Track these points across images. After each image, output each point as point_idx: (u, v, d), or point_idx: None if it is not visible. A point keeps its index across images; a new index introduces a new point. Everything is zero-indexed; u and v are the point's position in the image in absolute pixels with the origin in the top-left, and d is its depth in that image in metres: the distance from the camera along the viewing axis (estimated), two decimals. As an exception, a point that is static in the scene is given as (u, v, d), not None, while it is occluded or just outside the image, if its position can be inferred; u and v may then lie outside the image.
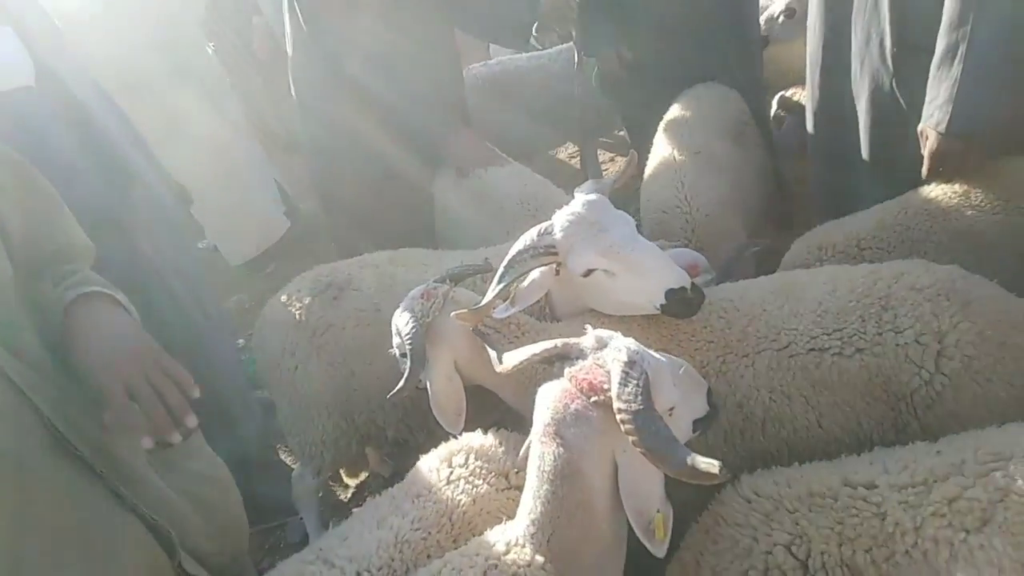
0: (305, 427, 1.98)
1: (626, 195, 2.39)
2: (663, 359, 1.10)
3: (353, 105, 2.48)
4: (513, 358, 1.24)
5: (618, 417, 1.00)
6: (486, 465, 1.39)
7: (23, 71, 1.77)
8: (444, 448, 1.49)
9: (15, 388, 1.01)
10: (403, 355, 1.54)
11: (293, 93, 2.71)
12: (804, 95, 3.02)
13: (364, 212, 2.73)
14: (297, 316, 1.91)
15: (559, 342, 1.15)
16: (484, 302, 1.45)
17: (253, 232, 3.97)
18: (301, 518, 2.26)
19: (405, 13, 2.44)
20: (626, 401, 0.99)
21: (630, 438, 0.98)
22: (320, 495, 2.25)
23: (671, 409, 1.09)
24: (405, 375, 1.50)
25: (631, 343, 1.07)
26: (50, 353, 1.09)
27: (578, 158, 3.57)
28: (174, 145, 2.72)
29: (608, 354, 1.07)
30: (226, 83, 3.83)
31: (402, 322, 1.53)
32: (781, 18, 2.98)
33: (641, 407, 0.98)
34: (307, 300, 1.92)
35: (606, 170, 4.31)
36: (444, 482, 1.37)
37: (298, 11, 2.50)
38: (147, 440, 1.06)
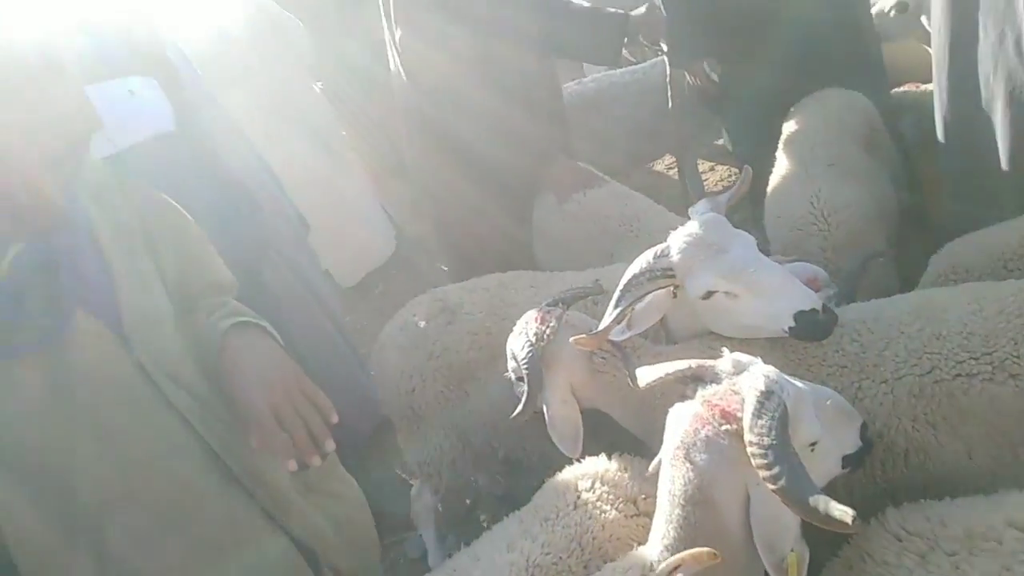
0: (423, 447, 2.04)
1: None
2: (807, 388, 1.05)
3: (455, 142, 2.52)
4: (647, 376, 1.22)
5: (749, 450, 0.96)
6: (613, 491, 1.38)
7: (165, 117, 1.92)
8: (569, 472, 1.49)
9: (183, 419, 1.09)
10: (519, 379, 1.55)
11: (402, 121, 2.80)
12: (920, 92, 2.87)
13: (470, 237, 2.77)
14: (413, 340, 1.97)
15: (693, 363, 1.12)
16: (602, 326, 1.44)
17: (361, 255, 4.12)
18: (420, 534, 2.32)
19: (504, 47, 2.47)
20: (758, 434, 0.96)
21: (760, 473, 0.95)
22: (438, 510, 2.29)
23: (813, 444, 1.04)
24: (523, 399, 1.51)
25: (771, 371, 1.03)
26: (207, 381, 1.17)
27: (675, 169, 3.51)
28: (286, 176, 2.86)
29: (744, 381, 1.03)
30: (331, 115, 4.01)
31: (518, 346, 1.54)
32: (892, 12, 2.83)
33: (774, 442, 0.94)
34: (422, 324, 1.97)
35: (705, 179, 4.21)
36: (571, 507, 1.38)
37: (396, 46, 2.57)
38: (292, 463, 1.11)
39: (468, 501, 2.58)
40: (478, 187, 2.61)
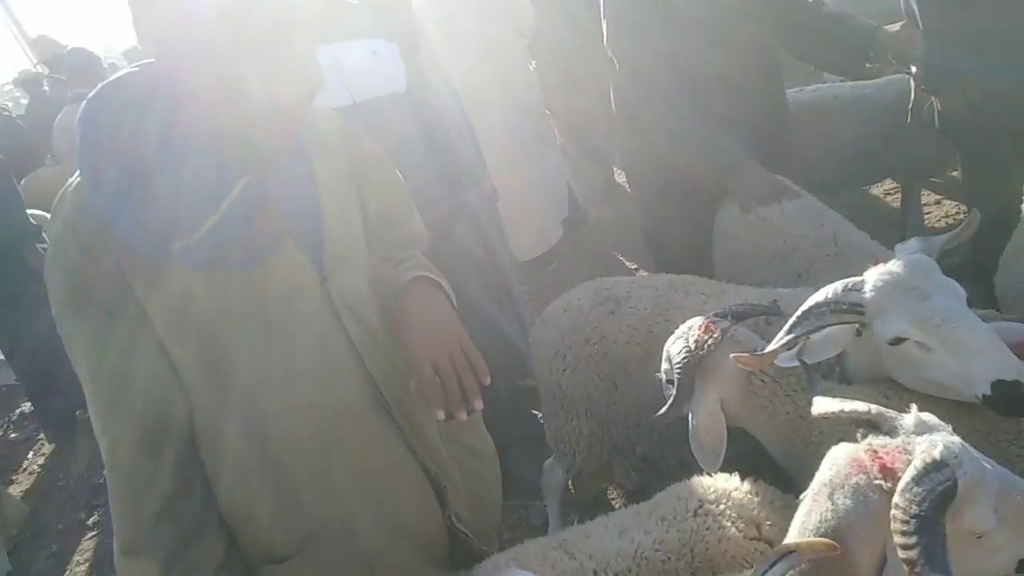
0: (563, 425, 2.09)
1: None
2: (996, 473, 0.94)
3: (661, 124, 2.47)
4: (823, 406, 1.16)
5: (892, 512, 0.89)
6: (738, 510, 1.35)
7: (399, 80, 2.11)
8: (697, 482, 1.47)
9: (354, 349, 1.21)
10: (670, 382, 1.54)
11: (613, 105, 2.79)
12: None
13: (652, 228, 2.74)
14: (574, 323, 2.00)
15: (874, 408, 1.05)
16: (770, 348, 1.38)
17: (542, 232, 4.20)
18: (545, 504, 2.38)
19: (736, 34, 2.37)
20: (907, 500, 0.88)
21: (895, 538, 0.87)
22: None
23: (979, 535, 0.93)
24: (669, 402, 1.50)
25: (956, 444, 0.93)
26: (382, 323, 1.27)
27: (895, 195, 3.19)
28: (485, 143, 2.98)
29: (921, 442, 0.95)
30: (539, 92, 4.10)
31: (675, 350, 1.52)
32: None
33: (921, 513, 0.86)
34: (586, 309, 2.00)
35: (928, 213, 3.81)
36: (691, 514, 1.37)
37: (616, 21, 2.53)
38: (440, 413, 1.20)
39: (599, 487, 2.60)
40: (666, 180, 2.55)
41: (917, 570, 0.83)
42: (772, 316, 1.67)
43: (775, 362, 1.41)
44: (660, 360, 1.86)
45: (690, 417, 1.51)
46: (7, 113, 6.10)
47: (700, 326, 1.54)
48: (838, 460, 1.01)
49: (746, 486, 1.40)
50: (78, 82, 4.77)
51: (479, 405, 1.21)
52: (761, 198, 2.29)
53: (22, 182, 4.91)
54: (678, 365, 1.47)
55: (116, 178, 1.02)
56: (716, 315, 1.58)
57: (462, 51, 3.29)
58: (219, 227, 1.04)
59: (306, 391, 1.17)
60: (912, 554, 0.84)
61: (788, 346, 1.37)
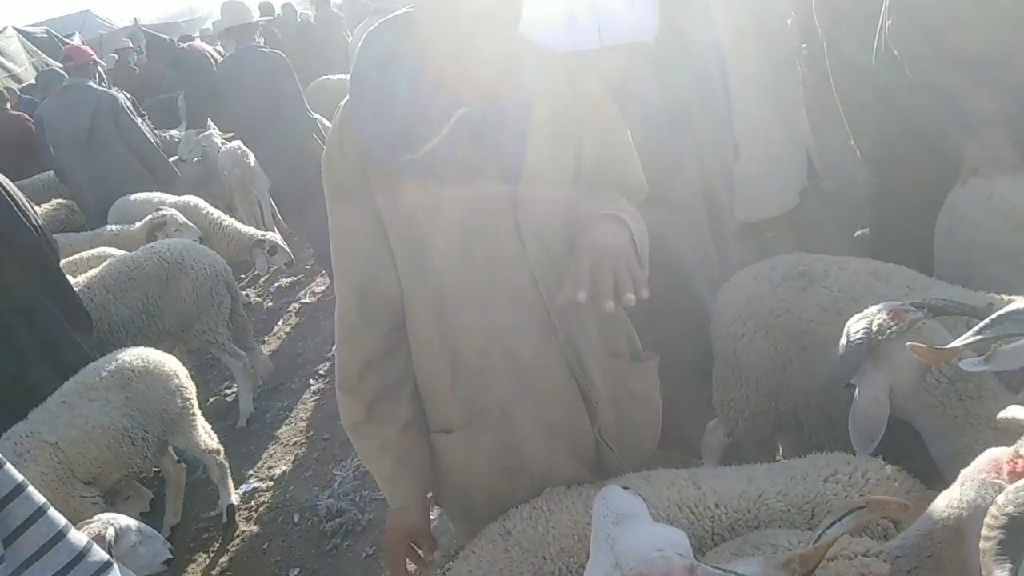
0: (731, 390, 2.13)
1: None
2: None
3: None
4: (1014, 413, 1.14)
5: (991, 508, 0.89)
6: (869, 488, 1.36)
7: (648, 29, 2.15)
8: (839, 455, 1.49)
9: (533, 280, 1.37)
10: (842, 356, 1.54)
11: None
12: None
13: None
14: (762, 291, 2.01)
15: None
16: (952, 345, 1.32)
17: (775, 195, 4.01)
18: (702, 464, 2.44)
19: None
20: (1007, 499, 0.88)
21: (982, 532, 0.88)
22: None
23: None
24: (831, 375, 1.51)
25: None
26: (561, 246, 1.37)
27: None
28: (736, 99, 2.95)
29: None
30: (793, 50, 3.88)
31: (855, 328, 1.51)
32: None
33: (1014, 513, 0.86)
34: (777, 280, 2.00)
35: None
36: (822, 479, 1.40)
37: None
38: (581, 294, 1.19)
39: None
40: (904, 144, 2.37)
41: (985, 559, 0.85)
42: (978, 319, 1.57)
43: (960, 364, 1.35)
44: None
45: (855, 398, 1.50)
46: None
47: (888, 311, 1.50)
48: (983, 457, 1.02)
49: (887, 470, 1.39)
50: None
51: (631, 299, 1.18)
52: (1000, 166, 2.05)
53: (308, 87, 5.94)
54: (851, 344, 1.47)
55: (371, 99, 1.31)
56: (912, 303, 1.52)
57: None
58: (437, 148, 1.27)
59: (483, 294, 1.37)
60: (988, 545, 0.86)
61: (975, 348, 1.31)
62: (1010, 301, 1.63)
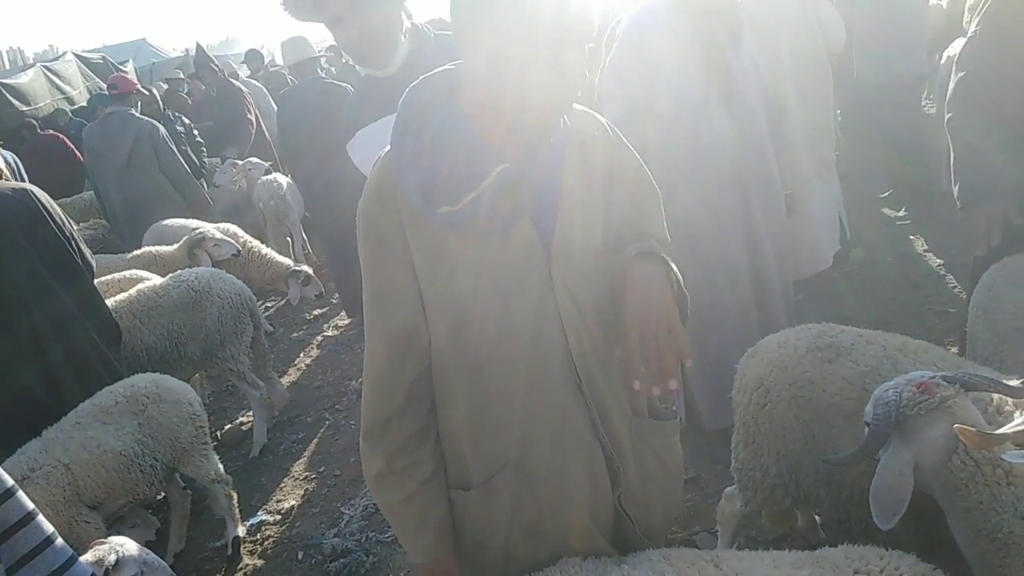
0: (750, 459, 2.08)
1: None
2: None
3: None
4: None
5: None
6: None
7: None
8: (871, 549, 1.43)
9: (562, 328, 1.36)
10: (867, 425, 1.50)
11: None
12: None
13: None
14: (786, 360, 1.98)
15: None
16: (1002, 431, 1.28)
17: (809, 256, 3.97)
18: (716, 531, 2.38)
19: None
20: None
21: None
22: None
23: None
24: (856, 448, 1.48)
25: None
26: (596, 308, 1.40)
27: None
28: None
29: None
30: (831, 108, 3.88)
31: (882, 398, 1.47)
32: None
33: None
34: (802, 351, 1.96)
35: None
36: (852, 571, 1.35)
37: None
38: (636, 383, 1.29)
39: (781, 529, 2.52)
40: None
41: None
42: (1013, 397, 1.51)
43: (1005, 456, 1.29)
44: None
45: (877, 471, 1.46)
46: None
47: (918, 384, 1.46)
48: None
49: (920, 568, 1.33)
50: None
51: (672, 384, 1.27)
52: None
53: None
54: (878, 415, 1.43)
55: (411, 151, 1.32)
56: (944, 377, 1.47)
57: (772, 60, 3.23)
58: (475, 201, 1.28)
59: (514, 348, 1.36)
60: None
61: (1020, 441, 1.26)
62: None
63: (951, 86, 2.39)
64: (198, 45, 8.07)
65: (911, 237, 4.80)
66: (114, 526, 2.80)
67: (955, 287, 4.10)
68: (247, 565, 3.24)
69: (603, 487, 1.46)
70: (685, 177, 2.74)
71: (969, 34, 2.38)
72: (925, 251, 4.61)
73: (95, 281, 3.37)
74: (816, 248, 3.93)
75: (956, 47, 5.13)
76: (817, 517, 2.41)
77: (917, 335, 2.00)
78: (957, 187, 2.35)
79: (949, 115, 2.37)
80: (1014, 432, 1.25)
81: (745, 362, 2.14)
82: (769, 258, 2.99)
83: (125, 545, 1.93)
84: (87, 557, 1.80)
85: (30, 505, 1.25)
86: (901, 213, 4.86)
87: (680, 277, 1.38)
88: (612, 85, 2.94)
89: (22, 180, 5.09)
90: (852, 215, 4.25)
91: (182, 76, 10.94)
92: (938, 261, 4.44)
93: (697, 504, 2.89)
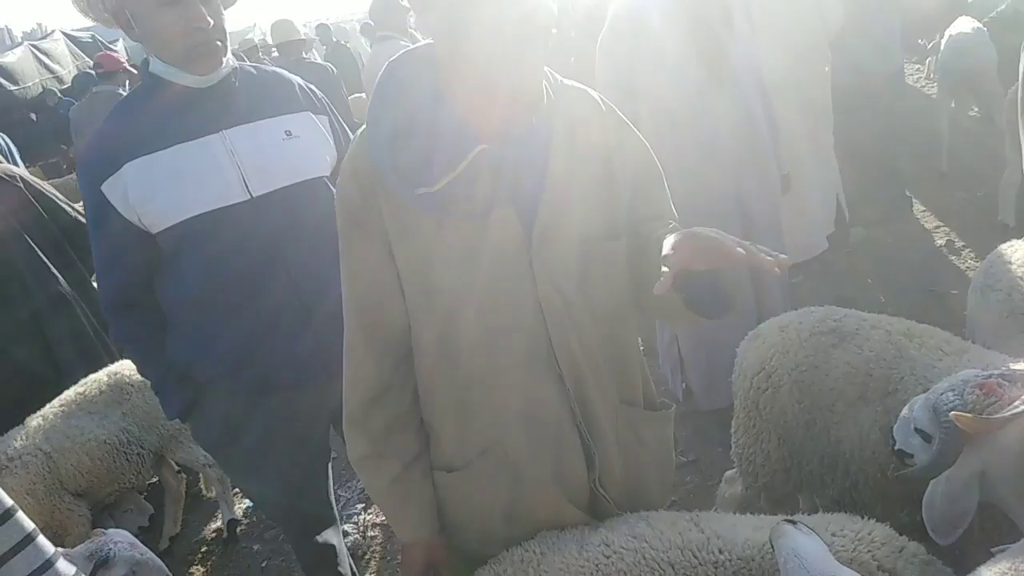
0: (751, 444, 2.06)
1: None
2: None
3: None
4: None
5: None
6: (879, 545, 1.28)
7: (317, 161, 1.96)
8: (846, 515, 1.40)
9: (542, 316, 1.33)
10: (920, 432, 1.39)
11: None
12: None
13: None
14: (787, 344, 1.95)
15: None
16: (1000, 416, 1.24)
17: (804, 240, 3.94)
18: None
19: None
20: None
21: None
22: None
23: None
24: (924, 463, 1.37)
25: None
26: (582, 295, 1.35)
27: None
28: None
29: None
30: (828, 96, 3.84)
31: (944, 403, 1.34)
32: None
33: None
34: (804, 335, 1.93)
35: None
36: (829, 533, 1.32)
37: None
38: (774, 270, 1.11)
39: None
40: None
41: None
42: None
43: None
44: (873, 406, 1.75)
45: (936, 483, 1.35)
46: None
47: (979, 385, 1.33)
48: None
49: (891, 533, 1.31)
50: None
51: (771, 265, 1.09)
52: None
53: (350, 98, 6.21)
54: (946, 423, 1.30)
55: (388, 130, 1.27)
56: (1002, 376, 1.34)
57: (770, 41, 3.18)
58: (453, 183, 1.23)
59: (491, 336, 1.33)
60: None
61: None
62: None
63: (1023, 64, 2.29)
64: None
65: (912, 218, 4.76)
66: (106, 511, 2.78)
67: (958, 268, 4.08)
68: (244, 547, 3.23)
69: (579, 472, 1.45)
70: (679, 159, 2.69)
71: None
72: (927, 232, 4.58)
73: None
74: (813, 231, 3.91)
75: (958, 26, 5.10)
76: (818, 501, 2.39)
77: (918, 317, 1.97)
78: None
79: None
80: (1012, 415, 1.21)
81: (746, 346, 2.11)
82: (765, 239, 2.92)
83: (120, 543, 1.87)
84: (80, 549, 1.76)
85: (30, 526, 1.24)
86: (907, 193, 4.81)
87: None
88: (604, 66, 2.88)
89: (15, 163, 5.04)
90: (851, 195, 4.20)
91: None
92: (940, 242, 4.41)
93: (697, 487, 2.88)
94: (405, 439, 1.43)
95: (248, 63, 1.98)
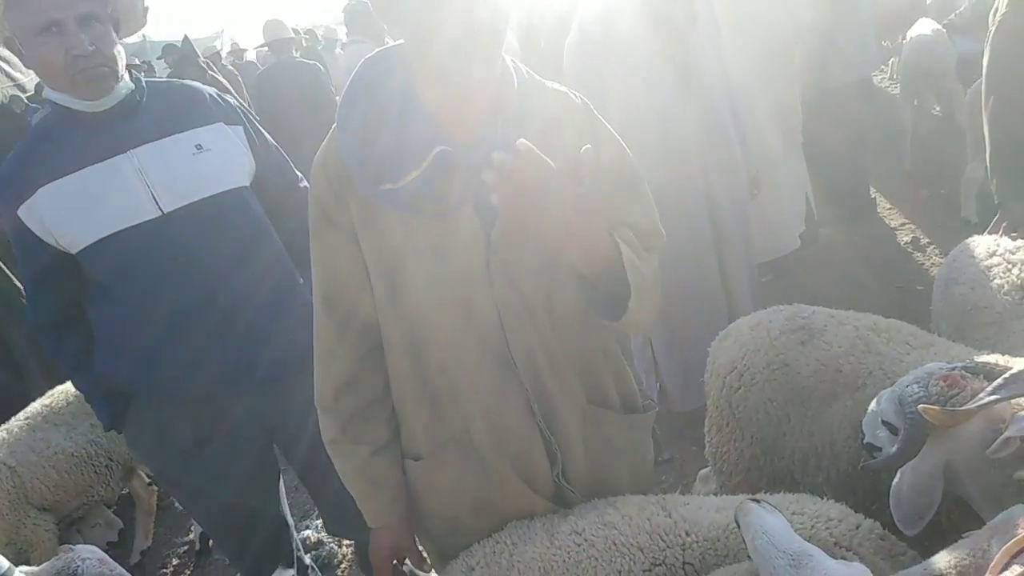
0: (724, 442, 2.07)
1: None
2: None
3: None
4: None
5: None
6: (836, 524, 1.32)
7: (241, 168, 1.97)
8: (806, 495, 1.45)
9: (499, 316, 1.34)
10: (887, 424, 1.42)
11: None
12: None
13: None
14: (758, 343, 1.96)
15: None
16: (966, 407, 1.25)
17: (775, 238, 3.98)
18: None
19: None
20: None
21: None
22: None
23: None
24: (889, 455, 1.39)
25: None
26: (545, 301, 1.37)
27: None
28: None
29: None
30: (798, 100, 3.89)
31: (909, 395, 1.36)
32: None
33: None
34: (775, 333, 1.95)
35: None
36: (789, 512, 1.36)
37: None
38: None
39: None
40: None
41: None
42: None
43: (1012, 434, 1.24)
44: (843, 401, 1.77)
45: (901, 474, 1.37)
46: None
47: (944, 377, 1.35)
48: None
49: (847, 511, 1.36)
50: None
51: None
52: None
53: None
54: (911, 415, 1.32)
55: (357, 126, 1.29)
56: (965, 368, 1.37)
57: (738, 40, 3.22)
58: (417, 181, 1.25)
59: (450, 334, 1.36)
60: None
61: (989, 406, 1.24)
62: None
63: (985, 64, 2.24)
64: (185, 38, 7.83)
65: (877, 216, 4.84)
66: (73, 526, 2.71)
67: (923, 265, 4.16)
68: (216, 559, 3.17)
69: (541, 467, 1.46)
70: (646, 160, 2.68)
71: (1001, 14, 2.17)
72: (892, 230, 4.67)
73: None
74: (783, 230, 3.95)
75: (919, 28, 5.21)
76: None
77: (885, 313, 1.99)
78: (995, 181, 2.25)
79: (991, 98, 2.21)
80: (978, 408, 1.23)
81: (717, 345, 2.12)
82: (734, 240, 2.98)
83: (88, 559, 1.82)
84: (46, 567, 1.71)
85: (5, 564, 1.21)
86: (872, 192, 4.90)
87: (638, 270, 1.31)
88: (573, 67, 2.89)
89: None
90: (817, 195, 4.27)
91: (137, 62, 10.61)
92: (906, 239, 4.49)
93: (672, 485, 2.90)
94: (375, 426, 1.46)
95: (159, 78, 1.99)
